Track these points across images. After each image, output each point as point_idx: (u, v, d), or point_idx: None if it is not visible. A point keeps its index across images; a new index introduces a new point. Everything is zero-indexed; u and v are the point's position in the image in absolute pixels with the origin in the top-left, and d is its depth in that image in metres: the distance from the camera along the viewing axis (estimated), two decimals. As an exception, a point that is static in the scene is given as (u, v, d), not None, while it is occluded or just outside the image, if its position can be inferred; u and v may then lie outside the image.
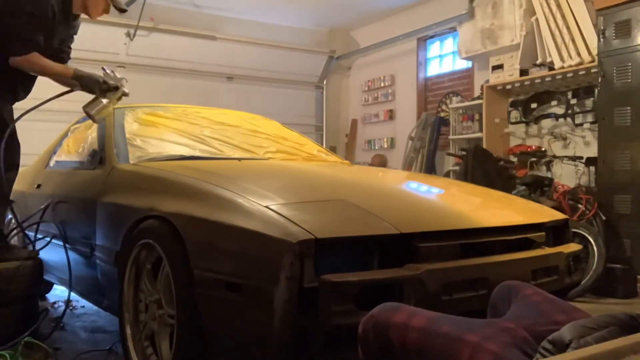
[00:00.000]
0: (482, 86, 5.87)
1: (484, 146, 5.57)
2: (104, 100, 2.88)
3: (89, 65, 6.07)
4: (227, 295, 1.76)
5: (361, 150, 8.13)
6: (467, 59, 6.30)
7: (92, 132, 3.19)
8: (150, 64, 6.50)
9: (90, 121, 3.34)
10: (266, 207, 1.81)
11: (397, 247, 1.74)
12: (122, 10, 2.99)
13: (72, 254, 2.91)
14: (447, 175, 6.30)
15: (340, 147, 8.13)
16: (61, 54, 3.01)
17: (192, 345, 1.86)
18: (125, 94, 2.95)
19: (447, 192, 2.65)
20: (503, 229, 2.04)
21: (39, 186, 3.54)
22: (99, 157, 2.88)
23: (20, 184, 3.97)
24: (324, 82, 8.12)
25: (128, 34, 6.24)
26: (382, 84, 7.75)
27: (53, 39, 2.84)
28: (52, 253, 3.15)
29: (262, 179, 2.38)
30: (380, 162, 7.45)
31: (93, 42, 6.03)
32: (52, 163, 3.67)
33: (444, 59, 7.17)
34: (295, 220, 1.69)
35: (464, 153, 5.35)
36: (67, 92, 3.00)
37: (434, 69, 7.27)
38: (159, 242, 2.05)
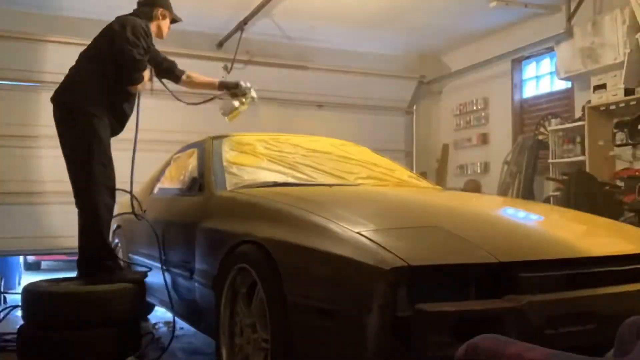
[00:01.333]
0: (583, 107, 5.56)
1: (587, 170, 5.26)
2: (236, 103, 3.56)
3: (189, 97, 6.41)
4: (320, 322, 1.76)
5: (453, 176, 7.94)
6: (566, 79, 6.01)
7: (192, 161, 3.35)
8: (245, 95, 6.77)
9: (190, 150, 3.54)
10: (358, 233, 1.80)
11: (496, 277, 1.67)
12: (179, 20, 3.54)
13: (172, 277, 3.04)
14: (547, 201, 5.99)
15: (431, 173, 7.98)
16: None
17: (285, 371, 1.87)
18: (254, 98, 3.61)
19: (549, 219, 2.52)
20: (611, 259, 1.90)
21: (144, 212, 3.75)
22: (198, 184, 3.01)
23: (126, 210, 4.23)
24: (414, 107, 8.05)
25: (225, 67, 6.54)
26: (475, 108, 7.55)
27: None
28: (153, 276, 3.31)
29: (353, 205, 2.39)
30: (474, 187, 7.22)
31: (192, 76, 6.40)
32: (155, 190, 3.88)
33: (541, 79, 6.89)
34: (387, 247, 1.67)
35: (565, 177, 5.06)
36: (212, 98, 3.77)
37: (530, 91, 7.00)
38: (254, 267, 2.09)
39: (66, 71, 4.41)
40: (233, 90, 3.60)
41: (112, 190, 3.15)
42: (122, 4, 5.80)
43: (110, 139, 3.19)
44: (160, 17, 3.36)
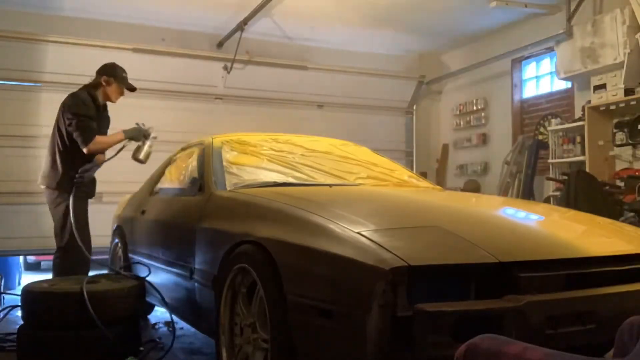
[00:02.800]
0: (583, 107, 5.57)
1: (587, 170, 5.26)
2: (146, 145, 3.75)
3: (189, 98, 6.40)
4: (319, 321, 1.76)
5: (453, 176, 7.94)
6: (566, 79, 6.02)
7: (192, 161, 3.35)
8: (245, 95, 6.76)
9: (190, 150, 3.54)
10: (358, 233, 1.80)
11: (496, 277, 1.67)
12: (133, 90, 3.89)
13: (172, 277, 3.04)
14: (547, 201, 5.99)
15: (431, 173, 7.99)
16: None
17: (285, 371, 1.87)
18: (155, 138, 3.79)
19: (549, 219, 2.52)
20: (611, 259, 1.90)
21: (143, 212, 3.75)
22: (198, 184, 3.01)
23: (127, 210, 4.23)
24: (414, 107, 8.05)
25: (225, 68, 6.54)
26: (475, 108, 7.56)
27: (99, 127, 3.73)
28: (154, 276, 3.31)
29: (353, 204, 2.38)
30: (474, 187, 7.22)
31: (192, 76, 6.39)
32: (155, 190, 3.88)
33: (541, 80, 6.89)
34: (387, 247, 1.67)
35: (565, 177, 5.06)
36: (121, 149, 3.87)
37: (530, 91, 7.00)
38: (254, 267, 2.09)
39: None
40: (135, 135, 3.77)
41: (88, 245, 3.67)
42: (120, 4, 5.83)
43: (86, 205, 3.75)
44: (104, 84, 3.76)
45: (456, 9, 6.28)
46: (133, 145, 3.80)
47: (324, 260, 1.79)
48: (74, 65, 5.64)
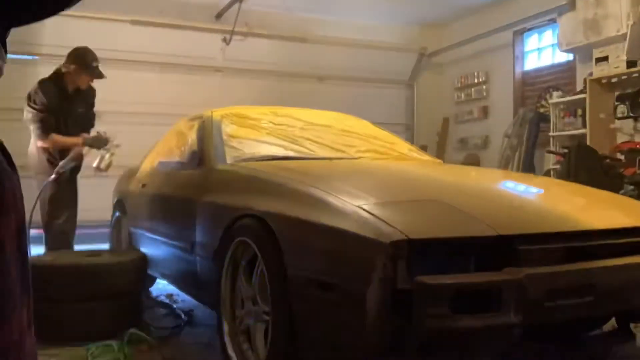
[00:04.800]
0: (585, 80, 5.53)
1: (588, 143, 5.24)
2: (107, 155, 3.86)
3: (188, 70, 6.35)
4: (320, 294, 1.77)
5: (453, 149, 7.93)
6: (568, 51, 5.96)
7: (192, 135, 3.33)
8: (245, 68, 6.71)
9: (190, 124, 3.52)
10: (358, 206, 1.80)
11: (495, 250, 1.67)
12: (101, 77, 3.87)
13: (174, 251, 3.06)
14: (547, 174, 5.99)
15: (432, 146, 7.97)
16: (86, 119, 4.01)
17: (286, 342, 1.89)
18: (117, 145, 3.91)
19: (549, 192, 2.52)
20: (611, 232, 1.90)
21: (144, 185, 3.75)
22: (198, 158, 3.00)
23: (126, 184, 4.24)
24: (415, 80, 7.99)
25: (224, 40, 6.47)
26: (476, 81, 7.51)
27: (69, 115, 3.84)
28: (156, 249, 3.33)
29: (353, 178, 2.38)
30: (474, 160, 7.22)
31: (191, 48, 6.33)
32: (155, 164, 3.87)
33: (543, 52, 6.83)
34: (387, 220, 1.67)
35: (566, 151, 5.05)
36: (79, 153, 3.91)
37: (531, 63, 6.94)
38: (254, 240, 2.10)
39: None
40: (96, 144, 3.87)
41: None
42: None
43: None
44: (70, 70, 3.78)
45: (458, -20, 6.19)
46: (95, 153, 3.89)
47: (324, 234, 1.80)
48: (72, 37, 5.56)
